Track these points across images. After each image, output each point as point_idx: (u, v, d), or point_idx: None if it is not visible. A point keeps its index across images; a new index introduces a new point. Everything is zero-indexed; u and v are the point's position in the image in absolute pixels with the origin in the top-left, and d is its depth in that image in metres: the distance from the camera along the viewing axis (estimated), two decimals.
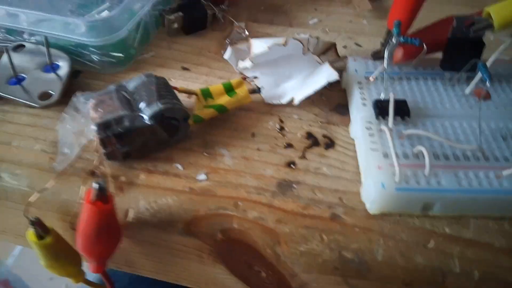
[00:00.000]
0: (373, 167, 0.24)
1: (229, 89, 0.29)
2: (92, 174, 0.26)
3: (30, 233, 0.23)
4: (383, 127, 0.25)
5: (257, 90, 0.30)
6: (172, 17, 0.35)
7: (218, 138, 0.28)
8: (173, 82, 0.32)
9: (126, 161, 0.26)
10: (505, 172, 0.23)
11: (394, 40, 0.26)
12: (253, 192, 0.25)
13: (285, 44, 0.29)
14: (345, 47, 0.36)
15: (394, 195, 0.23)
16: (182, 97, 0.28)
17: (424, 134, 0.25)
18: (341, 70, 0.32)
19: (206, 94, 0.29)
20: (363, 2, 0.39)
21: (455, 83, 0.28)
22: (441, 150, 0.25)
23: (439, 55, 0.29)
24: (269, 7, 0.40)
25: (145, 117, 0.25)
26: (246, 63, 0.30)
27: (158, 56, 0.35)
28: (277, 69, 0.31)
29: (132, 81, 0.27)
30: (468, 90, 0.28)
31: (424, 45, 0.27)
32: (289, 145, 0.28)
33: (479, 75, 0.27)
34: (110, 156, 0.26)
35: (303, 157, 0.27)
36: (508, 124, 0.26)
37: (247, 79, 0.30)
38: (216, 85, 0.29)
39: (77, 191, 0.25)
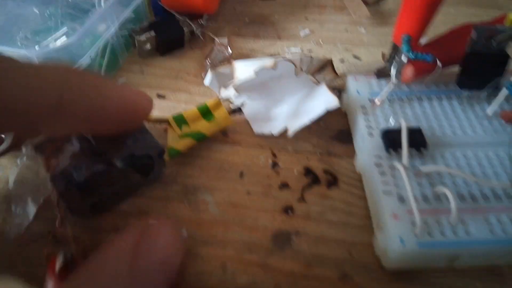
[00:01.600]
0: (387, 216, 0.20)
1: (205, 113, 0.25)
2: (54, 238, 0.22)
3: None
4: (396, 164, 0.21)
5: (237, 110, 0.25)
6: (143, 37, 0.31)
7: (200, 181, 0.24)
8: None
9: (95, 215, 0.22)
10: None
11: (403, 57, 0.22)
12: (244, 250, 0.21)
13: (274, 67, 0.25)
14: (342, 61, 0.32)
15: (416, 251, 0.18)
16: (155, 129, 0.24)
17: (446, 170, 0.21)
18: (340, 90, 0.28)
19: (180, 121, 0.25)
20: (360, 8, 0.35)
21: (474, 103, 0.24)
22: (467, 189, 0.21)
23: (454, 69, 0.25)
24: (255, 19, 0.36)
25: (114, 160, 0.21)
26: (229, 92, 0.26)
27: (130, 82, 0.30)
28: (267, 93, 0.27)
29: None
30: (490, 111, 0.23)
31: (438, 61, 0.23)
32: (284, 185, 0.24)
33: (503, 92, 0.23)
34: (75, 212, 0.22)
35: (301, 199, 0.23)
36: None
37: (231, 105, 0.26)
38: (190, 110, 0.25)
39: (37, 261, 0.21)
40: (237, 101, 0.27)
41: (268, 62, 0.25)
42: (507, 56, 0.23)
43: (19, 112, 0.16)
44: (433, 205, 0.20)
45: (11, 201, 0.22)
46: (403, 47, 0.22)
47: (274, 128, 0.26)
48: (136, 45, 0.31)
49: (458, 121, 0.24)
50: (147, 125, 0.23)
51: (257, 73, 0.25)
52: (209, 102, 0.25)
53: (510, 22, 0.22)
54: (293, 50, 0.33)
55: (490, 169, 0.21)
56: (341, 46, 0.33)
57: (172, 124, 0.25)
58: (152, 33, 0.31)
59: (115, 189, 0.22)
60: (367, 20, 0.35)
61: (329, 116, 0.27)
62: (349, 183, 0.24)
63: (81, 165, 0.20)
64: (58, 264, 0.18)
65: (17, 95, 0.15)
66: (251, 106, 0.27)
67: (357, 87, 0.26)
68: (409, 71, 0.24)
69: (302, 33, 0.34)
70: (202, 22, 0.34)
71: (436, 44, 0.25)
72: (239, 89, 0.25)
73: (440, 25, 0.27)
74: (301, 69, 0.27)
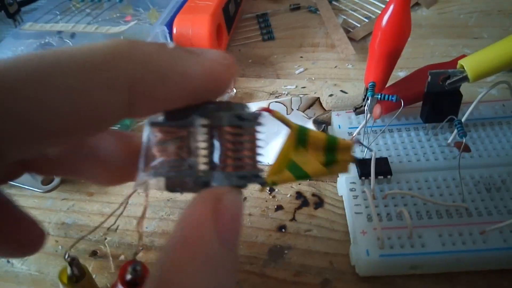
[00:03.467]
0: (357, 232, 0.24)
1: (331, 148, 0.18)
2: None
3: (63, 274, 0.23)
4: (365, 189, 0.26)
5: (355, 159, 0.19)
6: None
7: None
8: None
9: None
10: (488, 229, 0.23)
11: (369, 100, 0.27)
12: (246, 262, 0.26)
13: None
14: (331, 95, 0.37)
15: (379, 261, 0.23)
16: None
17: (404, 193, 0.25)
18: (327, 123, 0.33)
19: (302, 137, 0.17)
20: (347, 47, 0.40)
21: (437, 133, 0.29)
22: (425, 208, 0.25)
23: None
24: (257, 60, 0.42)
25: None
26: None
27: None
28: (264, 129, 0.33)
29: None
30: (449, 140, 0.28)
31: (402, 101, 0.28)
32: (279, 207, 0.29)
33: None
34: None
35: (293, 219, 0.28)
36: (492, 174, 0.26)
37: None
38: (318, 132, 0.18)
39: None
40: None
41: (262, 105, 0.30)
42: (460, 94, 0.27)
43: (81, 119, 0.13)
44: (395, 223, 0.25)
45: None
46: (368, 93, 0.27)
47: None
48: None
49: (422, 149, 0.28)
50: None
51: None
52: (342, 140, 0.18)
53: (460, 67, 0.26)
54: (288, 87, 0.38)
55: (447, 190, 0.26)
56: (330, 82, 0.38)
57: (293, 134, 0.17)
58: None
59: None
60: (354, 56, 0.40)
61: None
62: (333, 204, 0.29)
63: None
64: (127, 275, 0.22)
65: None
66: None
67: (338, 121, 0.31)
68: (377, 110, 0.29)
69: (297, 71, 0.40)
70: None
71: (402, 84, 0.30)
72: None
73: (422, 56, 0.31)
74: (292, 109, 0.32)
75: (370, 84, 0.28)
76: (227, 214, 0.14)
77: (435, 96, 0.27)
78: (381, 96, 0.28)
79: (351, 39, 0.42)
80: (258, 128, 0.16)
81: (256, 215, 0.29)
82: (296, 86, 0.38)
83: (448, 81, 0.27)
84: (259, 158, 0.16)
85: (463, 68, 0.26)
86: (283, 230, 0.28)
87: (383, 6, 0.44)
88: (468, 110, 0.27)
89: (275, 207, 0.29)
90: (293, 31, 0.45)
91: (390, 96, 0.28)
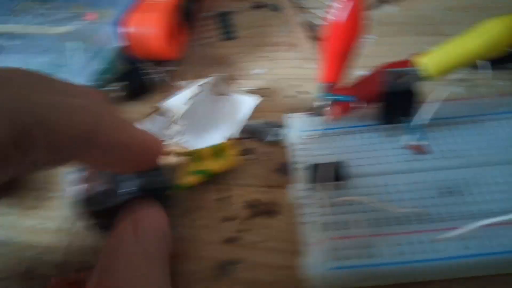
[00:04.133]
0: (308, 243, 0.23)
1: (218, 152, 0.28)
2: None
3: None
4: (319, 196, 0.24)
5: (245, 152, 0.29)
6: (111, 88, 0.35)
7: None
8: None
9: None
10: (440, 236, 0.22)
11: (321, 102, 0.25)
12: (192, 280, 0.24)
13: (198, 93, 0.30)
14: (293, 96, 0.35)
15: (333, 274, 0.21)
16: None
17: (359, 199, 0.24)
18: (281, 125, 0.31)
19: (196, 156, 0.28)
20: (309, 46, 0.38)
21: (395, 135, 0.27)
22: (383, 215, 0.23)
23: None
24: (216, 60, 0.40)
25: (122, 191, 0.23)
26: (174, 128, 0.29)
27: None
28: (200, 119, 0.31)
29: None
30: (405, 143, 0.26)
31: (359, 101, 0.26)
32: (229, 218, 0.27)
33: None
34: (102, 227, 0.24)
35: (244, 230, 0.26)
36: (449, 176, 0.25)
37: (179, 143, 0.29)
38: (206, 148, 0.28)
39: None
40: (176, 137, 0.31)
41: (193, 90, 0.30)
42: (414, 93, 0.26)
43: (58, 136, 0.16)
44: (351, 232, 0.23)
45: None
46: (320, 94, 0.26)
47: (218, 139, 0.30)
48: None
49: (377, 152, 0.27)
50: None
51: (191, 100, 0.29)
52: (223, 143, 0.28)
53: (415, 65, 0.25)
54: (247, 89, 0.36)
55: (402, 195, 0.24)
56: (291, 82, 0.36)
57: (188, 158, 0.27)
58: (119, 83, 0.35)
59: None
60: (315, 55, 0.39)
61: (273, 149, 0.30)
62: (287, 213, 0.27)
63: (110, 192, 0.23)
64: None
65: (59, 116, 0.15)
66: (190, 136, 0.30)
67: (292, 123, 0.29)
68: (333, 111, 0.27)
69: (257, 72, 0.38)
70: (168, 68, 0.37)
71: (358, 85, 0.28)
72: (180, 121, 0.29)
73: (386, 55, 0.30)
74: (211, 90, 0.32)
75: (323, 85, 0.26)
76: (143, 222, 0.21)
77: (391, 96, 0.26)
78: (336, 97, 0.27)
79: (314, 38, 0.40)
80: None
81: (204, 226, 0.27)
82: (255, 87, 0.36)
83: (404, 80, 0.25)
84: None
85: (420, 66, 0.25)
86: (233, 242, 0.26)
87: None
88: (428, 110, 0.26)
89: (225, 217, 0.27)
90: (254, 30, 0.43)
91: (346, 97, 0.26)
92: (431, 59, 0.24)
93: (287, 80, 0.36)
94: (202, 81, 0.32)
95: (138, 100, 0.36)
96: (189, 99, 0.29)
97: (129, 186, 0.24)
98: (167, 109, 0.30)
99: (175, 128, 0.29)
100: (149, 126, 0.31)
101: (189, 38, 0.42)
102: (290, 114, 0.30)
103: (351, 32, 0.24)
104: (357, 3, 0.23)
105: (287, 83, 0.36)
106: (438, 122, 0.28)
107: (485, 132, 0.27)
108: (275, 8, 0.45)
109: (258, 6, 0.46)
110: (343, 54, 0.25)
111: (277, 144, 0.31)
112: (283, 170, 0.29)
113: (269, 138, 0.31)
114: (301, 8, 0.45)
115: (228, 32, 0.43)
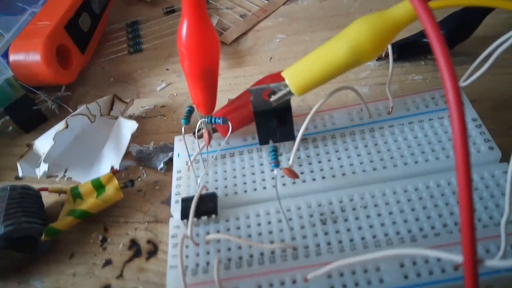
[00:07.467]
0: None
1: (98, 186, 0.27)
2: None
3: None
4: (182, 234, 0.22)
5: (128, 184, 0.27)
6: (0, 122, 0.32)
7: (33, 266, 0.25)
8: None
9: None
10: (310, 275, 0.20)
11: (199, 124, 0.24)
12: None
13: (67, 127, 0.28)
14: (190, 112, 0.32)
15: None
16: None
17: (222, 237, 0.22)
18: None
19: (76, 194, 0.27)
20: None
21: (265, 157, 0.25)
22: (247, 253, 0.21)
23: None
24: (119, 77, 0.37)
25: None
26: (42, 168, 0.27)
27: None
28: (83, 148, 0.30)
29: None
30: (276, 170, 0.24)
31: (229, 123, 0.24)
32: (108, 262, 0.25)
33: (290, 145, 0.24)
34: None
35: (120, 276, 0.24)
36: (332, 199, 0.22)
37: (63, 179, 0.28)
38: (86, 183, 0.27)
39: None
40: (59, 173, 0.29)
41: (60, 125, 0.28)
42: (287, 109, 0.23)
43: None
44: (212, 276, 0.21)
45: None
46: (183, 120, 0.23)
47: (105, 170, 0.28)
48: None
49: (252, 177, 0.24)
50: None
51: (54, 139, 0.27)
52: (103, 176, 0.27)
53: (283, 80, 0.22)
54: (146, 108, 0.34)
55: (277, 225, 0.22)
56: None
57: (68, 197, 0.27)
58: (7, 116, 0.33)
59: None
60: (223, 62, 0.36)
61: (165, 179, 0.28)
62: (167, 251, 0.25)
63: None
64: None
65: None
66: (74, 169, 0.29)
67: (179, 149, 0.27)
68: (205, 135, 0.25)
69: (159, 87, 0.35)
70: (60, 94, 0.35)
71: (232, 106, 0.26)
72: (47, 160, 0.28)
73: (295, 56, 0.29)
74: (94, 116, 0.29)
75: (186, 109, 0.24)
76: None
77: (260, 115, 0.23)
78: (208, 119, 0.24)
79: (222, 43, 0.37)
80: None
81: (80, 274, 0.25)
82: (155, 106, 0.34)
83: (273, 97, 0.23)
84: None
85: (285, 81, 0.22)
86: None
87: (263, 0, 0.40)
88: (303, 125, 0.23)
89: (104, 261, 0.25)
90: (163, 40, 0.40)
91: (217, 119, 0.24)
92: (293, 74, 0.22)
93: (187, 95, 0.34)
94: (80, 109, 0.30)
95: (36, 131, 0.34)
96: (53, 137, 0.27)
97: None
98: (36, 148, 0.28)
99: (41, 169, 0.27)
100: (20, 173, 0.29)
101: (96, 54, 0.40)
102: (178, 138, 0.28)
103: (197, 52, 0.21)
104: (198, 21, 0.21)
105: (185, 99, 0.34)
106: (316, 137, 0.25)
107: (371, 145, 0.24)
108: None
109: (170, 11, 0.43)
110: (203, 76, 0.23)
111: (169, 170, 0.28)
112: (169, 202, 0.27)
113: (159, 164, 0.29)
114: (214, 9, 0.42)
115: (136, 44, 0.40)
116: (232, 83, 0.34)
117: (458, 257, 0.15)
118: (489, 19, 0.29)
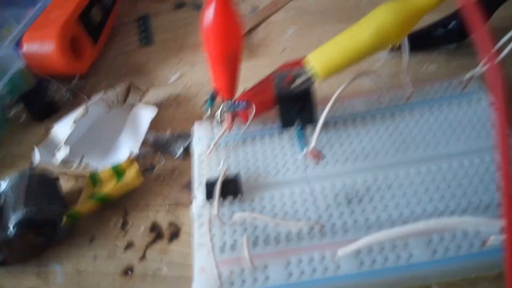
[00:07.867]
0: (196, 269, 0.21)
1: (119, 172, 0.27)
2: None
3: None
4: (209, 215, 0.22)
5: (149, 168, 0.27)
6: (13, 111, 0.32)
7: (52, 250, 0.25)
8: None
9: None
10: (340, 252, 0.20)
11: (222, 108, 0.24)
12: None
13: (85, 114, 0.28)
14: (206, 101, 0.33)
15: None
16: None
17: (249, 217, 0.22)
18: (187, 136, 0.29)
19: (95, 179, 0.27)
20: None
21: (293, 141, 0.25)
22: (275, 231, 0.22)
23: None
24: (132, 69, 0.37)
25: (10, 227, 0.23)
26: (63, 151, 0.27)
27: (9, 155, 0.32)
28: (100, 136, 0.30)
29: (5, 182, 0.25)
30: (301, 152, 0.24)
31: (253, 106, 0.24)
32: (130, 245, 0.25)
33: (310, 130, 0.24)
34: None
35: (143, 257, 0.24)
36: (356, 180, 0.23)
37: (80, 165, 0.27)
38: (106, 169, 0.27)
39: None
40: (76, 158, 0.28)
41: (80, 111, 0.28)
42: (308, 95, 0.24)
43: None
44: (240, 253, 0.21)
45: None
46: (208, 103, 0.24)
47: (122, 157, 0.28)
48: (11, 118, 0.32)
49: (276, 160, 0.24)
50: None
51: (74, 124, 0.27)
52: (124, 161, 0.27)
53: (307, 64, 0.23)
54: (161, 97, 0.34)
55: (303, 206, 0.22)
56: (208, 87, 0.34)
57: (87, 182, 0.27)
58: (22, 105, 0.33)
59: (19, 250, 0.24)
60: None
61: (183, 164, 0.28)
62: (190, 233, 0.25)
63: None
64: None
65: None
66: (92, 155, 0.29)
67: (199, 133, 0.27)
68: (228, 119, 0.25)
69: (173, 78, 0.36)
70: (74, 83, 0.35)
71: (253, 91, 0.26)
72: (69, 143, 0.27)
73: (307, 48, 0.28)
74: (112, 103, 0.30)
75: (210, 95, 0.24)
76: None
77: (283, 100, 0.24)
78: (231, 104, 0.25)
79: None
80: None
81: (102, 257, 0.25)
82: (170, 96, 0.34)
83: (296, 81, 0.23)
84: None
85: (309, 65, 0.23)
86: (130, 272, 0.24)
87: None
88: (327, 107, 0.23)
89: (126, 244, 0.25)
90: (174, 33, 0.40)
91: (240, 103, 0.24)
92: (318, 57, 0.22)
93: (201, 85, 0.34)
94: (98, 96, 0.30)
95: (48, 120, 0.34)
96: (74, 121, 0.27)
97: (17, 217, 0.23)
98: (54, 134, 0.28)
99: (61, 153, 0.27)
100: (36, 158, 0.28)
101: (107, 48, 0.40)
102: (198, 123, 0.28)
103: (223, 34, 0.22)
104: (223, 3, 0.21)
105: (200, 89, 0.34)
106: (338, 121, 0.26)
107: (393, 129, 0.25)
108: (196, 7, 0.43)
109: (180, 6, 0.43)
110: (227, 58, 0.23)
111: (187, 157, 0.28)
112: (190, 186, 0.27)
113: (177, 151, 0.29)
114: None
115: (147, 37, 0.40)
116: (246, 74, 0.34)
117: (497, 223, 0.15)
118: (502, 11, 0.30)
